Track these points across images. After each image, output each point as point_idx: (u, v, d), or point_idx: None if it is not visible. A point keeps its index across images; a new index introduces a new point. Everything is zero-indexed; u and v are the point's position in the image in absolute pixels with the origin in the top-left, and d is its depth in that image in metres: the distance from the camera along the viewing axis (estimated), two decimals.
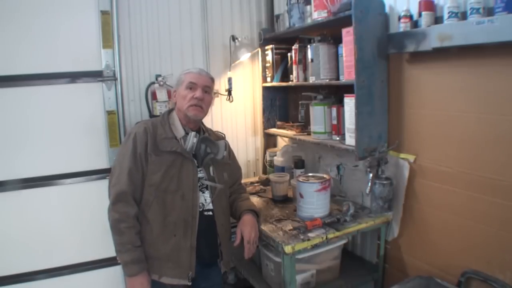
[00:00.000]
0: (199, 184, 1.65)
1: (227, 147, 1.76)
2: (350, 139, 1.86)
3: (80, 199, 2.17)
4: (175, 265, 1.57)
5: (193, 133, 1.63)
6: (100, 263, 2.23)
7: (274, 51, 2.47)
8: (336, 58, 1.99)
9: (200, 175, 1.67)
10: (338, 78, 1.99)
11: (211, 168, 1.71)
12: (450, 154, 1.62)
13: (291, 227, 1.76)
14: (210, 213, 1.68)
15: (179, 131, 1.67)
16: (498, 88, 1.41)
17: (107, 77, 2.15)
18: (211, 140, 1.69)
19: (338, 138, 2.01)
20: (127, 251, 1.50)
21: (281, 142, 2.74)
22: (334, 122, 2.01)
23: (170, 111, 1.75)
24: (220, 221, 1.70)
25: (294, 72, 2.29)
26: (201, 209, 1.65)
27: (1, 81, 1.95)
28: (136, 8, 2.24)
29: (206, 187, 1.68)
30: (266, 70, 2.57)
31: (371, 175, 1.81)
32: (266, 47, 2.52)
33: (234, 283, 2.57)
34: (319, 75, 2.04)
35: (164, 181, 1.58)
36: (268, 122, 2.69)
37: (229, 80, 2.52)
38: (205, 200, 1.67)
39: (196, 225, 1.61)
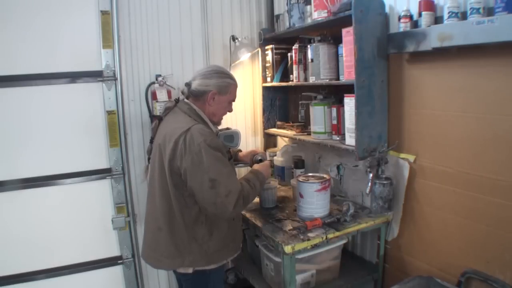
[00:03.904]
0: None
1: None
2: (350, 139, 1.86)
3: (80, 199, 2.17)
4: (236, 244, 1.75)
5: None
6: (100, 263, 2.24)
7: (274, 51, 2.46)
8: (336, 58, 1.99)
9: None
10: (338, 78, 1.98)
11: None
12: (450, 154, 1.62)
13: (291, 227, 1.76)
14: None
15: (213, 129, 1.71)
16: (498, 88, 1.41)
17: (107, 77, 2.15)
18: None
19: (338, 138, 2.01)
20: (251, 184, 1.65)
21: (281, 142, 2.74)
22: (334, 122, 2.01)
23: (194, 110, 1.68)
24: None
25: (294, 72, 2.29)
26: None
27: (1, 81, 1.95)
28: (136, 8, 2.23)
29: None
30: (266, 70, 2.57)
31: (371, 175, 1.81)
32: (266, 47, 2.52)
33: (234, 283, 2.57)
34: (319, 75, 2.04)
35: None
36: (268, 122, 2.69)
37: None
38: None
39: None
